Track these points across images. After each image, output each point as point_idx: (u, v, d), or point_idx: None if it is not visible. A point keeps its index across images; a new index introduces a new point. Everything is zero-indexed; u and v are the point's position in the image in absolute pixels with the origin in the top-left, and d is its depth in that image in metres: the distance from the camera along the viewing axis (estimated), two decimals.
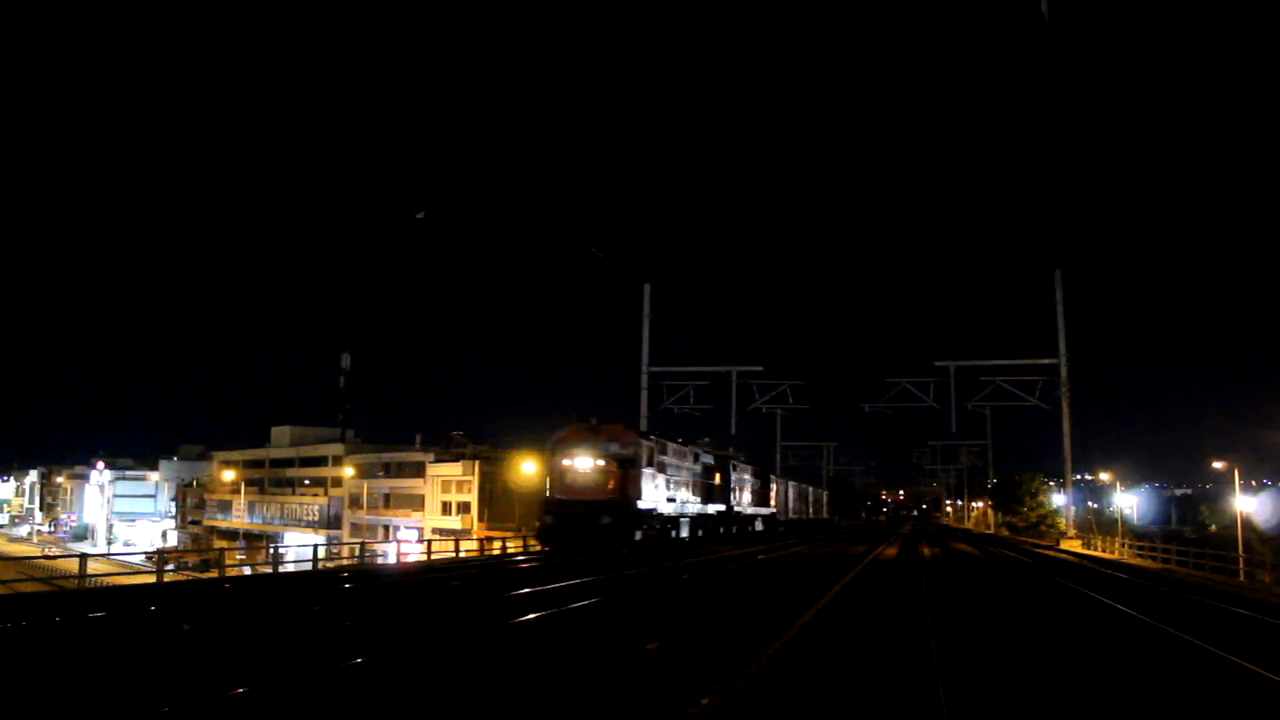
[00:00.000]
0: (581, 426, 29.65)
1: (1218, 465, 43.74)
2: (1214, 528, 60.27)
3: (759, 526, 48.96)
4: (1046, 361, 46.35)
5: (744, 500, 45.40)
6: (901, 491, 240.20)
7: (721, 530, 40.58)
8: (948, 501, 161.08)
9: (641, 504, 28.78)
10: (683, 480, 34.33)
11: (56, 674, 9.19)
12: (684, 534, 33.92)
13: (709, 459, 39.20)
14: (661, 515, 31.02)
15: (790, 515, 61.68)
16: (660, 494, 31.07)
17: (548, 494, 29.32)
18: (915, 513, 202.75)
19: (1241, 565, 29.76)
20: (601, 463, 28.34)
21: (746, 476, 47.01)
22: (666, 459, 32.33)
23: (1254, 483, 70.42)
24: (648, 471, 29.74)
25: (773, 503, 53.42)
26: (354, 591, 17.90)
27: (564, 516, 27.69)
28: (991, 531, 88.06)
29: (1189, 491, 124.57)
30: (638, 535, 28.19)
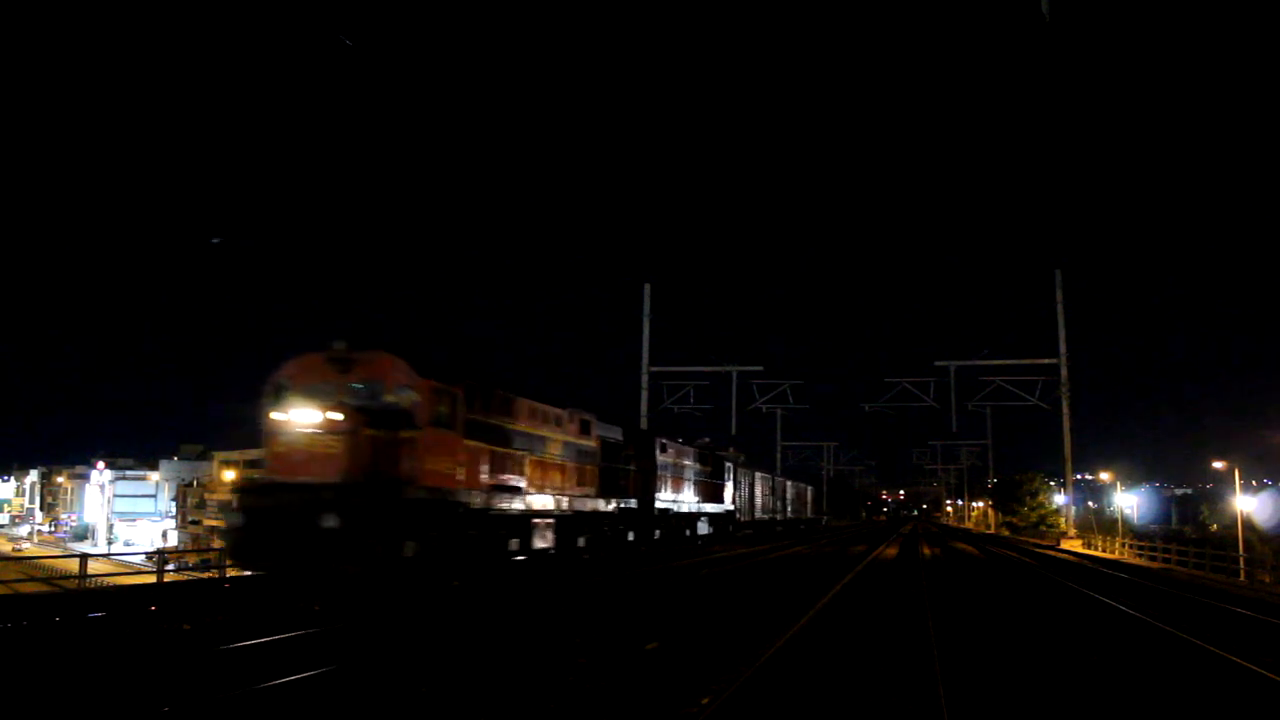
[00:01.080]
0: (317, 357, 16.87)
1: (1218, 465, 43.71)
2: (1214, 527, 60.18)
3: (704, 529, 36.83)
4: (1046, 361, 46.40)
5: (681, 494, 33.31)
6: (902, 491, 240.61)
7: (631, 537, 27.43)
8: (948, 501, 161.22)
9: (420, 491, 16.15)
10: (548, 459, 21.50)
11: (57, 674, 9.19)
12: (542, 544, 20.91)
13: (611, 431, 26.03)
14: (481, 513, 18.13)
15: (758, 515, 50.16)
16: (477, 477, 18.15)
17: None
18: (915, 512, 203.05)
19: (1242, 565, 29.75)
20: (340, 417, 15.42)
21: (687, 462, 34.25)
22: (506, 423, 19.40)
23: (1254, 483, 70.55)
24: (447, 435, 17.21)
25: (728, 498, 41.68)
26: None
27: (258, 513, 15.16)
28: (992, 531, 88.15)
29: (1189, 491, 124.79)
30: (408, 549, 15.51)
